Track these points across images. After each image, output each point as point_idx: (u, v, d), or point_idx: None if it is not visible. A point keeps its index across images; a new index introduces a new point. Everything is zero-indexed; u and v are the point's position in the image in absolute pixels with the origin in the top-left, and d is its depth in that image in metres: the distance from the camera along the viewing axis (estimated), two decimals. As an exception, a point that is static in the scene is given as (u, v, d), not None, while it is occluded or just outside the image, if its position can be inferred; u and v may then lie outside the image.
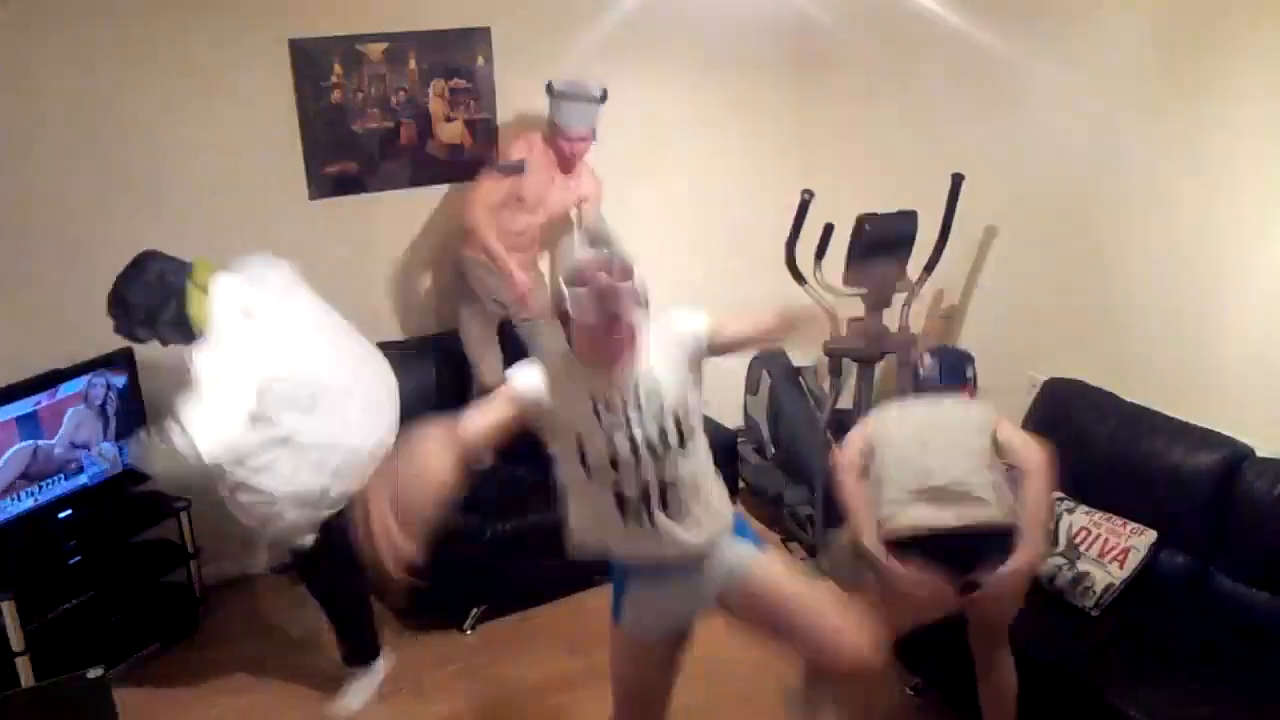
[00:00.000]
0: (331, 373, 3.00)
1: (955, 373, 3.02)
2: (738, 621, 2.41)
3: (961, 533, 2.65)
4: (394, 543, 2.05)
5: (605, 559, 2.37)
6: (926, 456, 2.75)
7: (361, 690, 3.34)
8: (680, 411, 2.19)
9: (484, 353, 4.01)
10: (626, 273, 2.12)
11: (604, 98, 3.89)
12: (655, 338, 2.22)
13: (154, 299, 2.93)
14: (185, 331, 2.91)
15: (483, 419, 2.20)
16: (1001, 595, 2.69)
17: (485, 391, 3.88)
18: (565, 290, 2.13)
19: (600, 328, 2.11)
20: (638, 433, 2.17)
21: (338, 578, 3.24)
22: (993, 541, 2.66)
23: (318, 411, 2.92)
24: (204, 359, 2.83)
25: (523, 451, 4.09)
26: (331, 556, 3.13)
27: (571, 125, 3.86)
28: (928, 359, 3.07)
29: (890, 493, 2.76)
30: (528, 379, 2.21)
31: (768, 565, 2.37)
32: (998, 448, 2.80)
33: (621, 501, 2.20)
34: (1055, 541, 3.17)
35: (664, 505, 2.20)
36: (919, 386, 3.04)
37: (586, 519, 2.30)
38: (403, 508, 2.07)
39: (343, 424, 2.98)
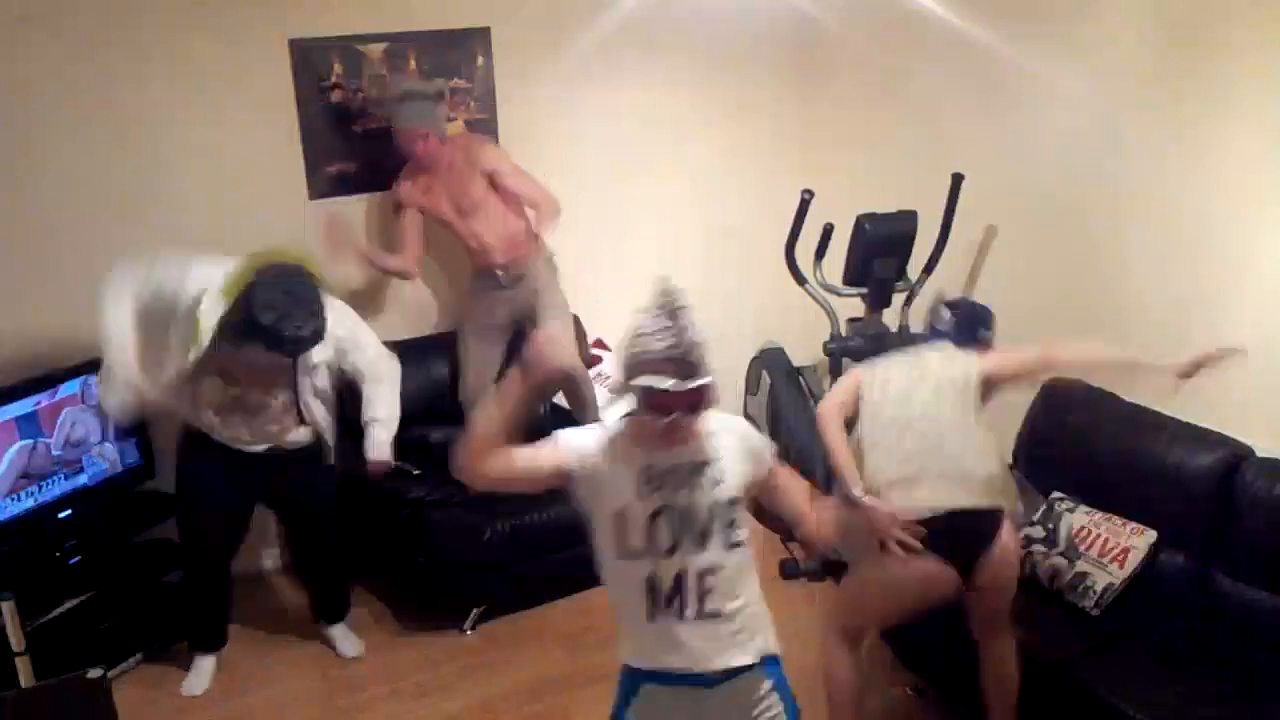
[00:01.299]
0: None
1: (969, 332, 2.94)
2: None
3: (954, 520, 2.65)
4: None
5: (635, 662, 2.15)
6: (906, 437, 2.72)
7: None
8: (736, 508, 2.05)
9: (469, 363, 4.04)
10: (694, 370, 1.95)
11: (439, 95, 3.86)
12: (722, 426, 2.11)
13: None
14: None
15: (521, 457, 2.08)
16: (1001, 570, 2.70)
17: (471, 393, 3.92)
18: (627, 380, 2.01)
19: (662, 432, 2.00)
20: (683, 510, 2.02)
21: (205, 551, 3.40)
22: (980, 528, 2.67)
23: None
24: None
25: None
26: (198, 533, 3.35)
27: (409, 124, 3.80)
28: (944, 312, 3.01)
29: (873, 462, 2.74)
30: (580, 439, 2.10)
31: None
32: (992, 384, 2.80)
33: (653, 586, 2.03)
34: (1055, 541, 3.18)
35: (699, 606, 2.03)
36: (931, 339, 2.99)
37: (620, 608, 2.12)
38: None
39: None
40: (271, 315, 2.85)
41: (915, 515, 2.64)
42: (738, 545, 2.04)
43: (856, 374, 2.93)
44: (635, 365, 1.98)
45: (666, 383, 1.93)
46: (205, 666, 3.47)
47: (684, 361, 1.94)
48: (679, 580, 2.01)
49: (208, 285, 2.93)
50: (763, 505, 2.27)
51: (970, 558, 2.67)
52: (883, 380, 2.86)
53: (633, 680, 2.14)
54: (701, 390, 1.96)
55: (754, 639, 2.09)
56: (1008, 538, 2.72)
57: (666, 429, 1.99)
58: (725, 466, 2.06)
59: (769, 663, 2.14)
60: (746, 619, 2.08)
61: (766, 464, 2.15)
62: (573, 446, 2.09)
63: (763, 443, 2.17)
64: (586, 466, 2.06)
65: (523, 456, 2.09)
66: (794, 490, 2.24)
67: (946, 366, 2.85)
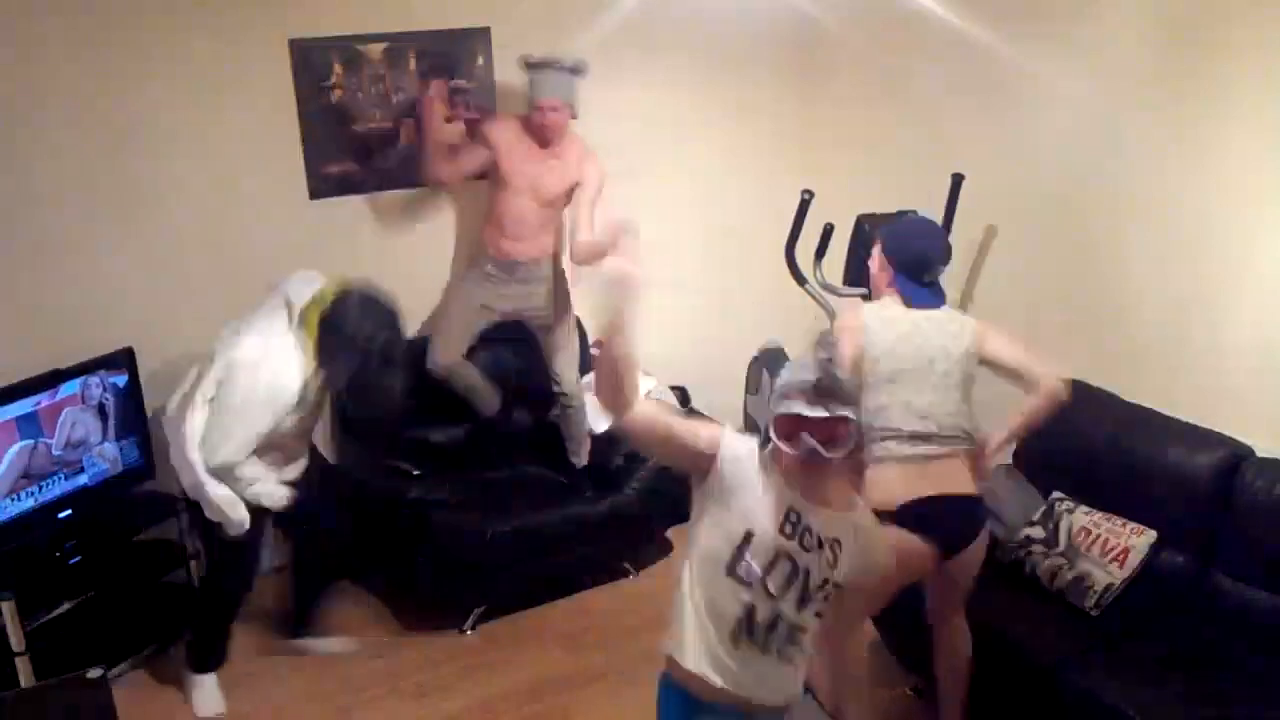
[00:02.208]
0: None
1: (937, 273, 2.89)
2: None
3: (940, 503, 2.68)
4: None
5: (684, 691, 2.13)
6: (924, 390, 2.74)
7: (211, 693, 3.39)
8: (833, 590, 2.07)
9: (449, 333, 4.00)
10: (845, 434, 2.00)
11: (577, 69, 3.79)
12: (868, 523, 2.15)
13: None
14: None
15: (679, 422, 2.11)
16: (977, 553, 2.77)
17: (440, 357, 3.91)
18: (771, 417, 2.04)
19: (799, 462, 2.02)
20: (802, 568, 2.02)
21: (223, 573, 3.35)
22: (968, 517, 2.73)
23: None
24: None
25: (525, 447, 4.14)
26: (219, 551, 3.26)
27: (542, 95, 3.77)
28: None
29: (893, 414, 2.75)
30: (741, 448, 2.09)
31: None
32: (987, 364, 2.81)
33: (749, 617, 2.02)
34: (1055, 541, 3.18)
35: (781, 648, 2.05)
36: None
37: (694, 613, 2.08)
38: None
39: None
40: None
41: (916, 495, 2.66)
42: (819, 615, 2.08)
43: (858, 316, 2.87)
44: (778, 395, 2.03)
45: (800, 406, 1.97)
46: (210, 684, 3.39)
47: (823, 392, 1.98)
48: (774, 623, 2.03)
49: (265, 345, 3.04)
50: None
51: (957, 543, 2.72)
52: (889, 323, 2.81)
53: (689, 712, 2.12)
54: (836, 422, 1.98)
55: (799, 682, 2.14)
56: (986, 535, 2.81)
57: (804, 463, 2.00)
58: (846, 556, 2.07)
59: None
60: (802, 669, 2.13)
61: (868, 576, 2.14)
62: (733, 444, 2.08)
63: (885, 558, 2.16)
64: (737, 471, 2.05)
65: (679, 420, 2.12)
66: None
67: (946, 325, 2.82)
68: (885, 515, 2.60)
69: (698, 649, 2.06)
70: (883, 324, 2.81)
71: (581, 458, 4.11)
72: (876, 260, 2.93)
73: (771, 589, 2.01)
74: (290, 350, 3.03)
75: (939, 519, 2.68)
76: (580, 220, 3.86)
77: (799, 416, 1.98)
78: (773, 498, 2.03)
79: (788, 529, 2.02)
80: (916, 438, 2.72)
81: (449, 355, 3.91)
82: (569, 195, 3.91)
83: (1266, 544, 2.86)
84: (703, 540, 2.08)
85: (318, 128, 3.96)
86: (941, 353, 2.77)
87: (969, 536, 2.75)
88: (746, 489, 2.04)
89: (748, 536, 2.02)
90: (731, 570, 2.02)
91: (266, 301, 3.13)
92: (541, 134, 3.84)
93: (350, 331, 3.01)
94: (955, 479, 2.73)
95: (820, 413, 1.97)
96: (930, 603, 2.90)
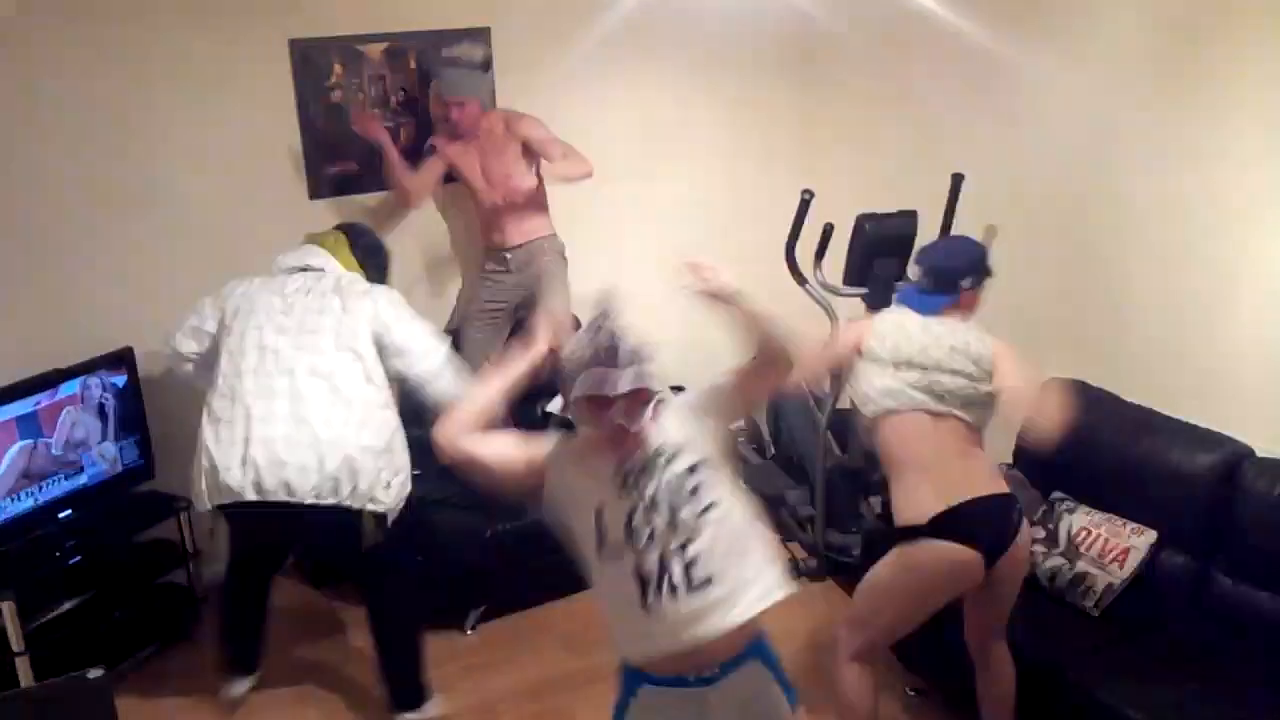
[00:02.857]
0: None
1: (947, 280, 2.84)
2: None
3: (975, 506, 2.60)
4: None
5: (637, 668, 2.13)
6: (921, 390, 2.71)
7: None
8: (696, 474, 2.03)
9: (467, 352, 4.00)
10: (647, 398, 2.00)
11: (486, 66, 3.94)
12: (670, 409, 2.12)
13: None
14: None
15: (502, 444, 2.14)
16: (1018, 563, 2.67)
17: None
18: (570, 385, 2.02)
19: (609, 440, 2.01)
20: (649, 500, 2.00)
21: (400, 597, 3.15)
22: (1005, 514, 2.65)
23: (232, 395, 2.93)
24: None
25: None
26: (394, 570, 3.12)
27: (448, 93, 3.91)
28: (914, 267, 2.94)
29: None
30: (551, 447, 2.14)
31: None
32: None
33: (641, 576, 2.00)
34: (1055, 541, 3.18)
35: (688, 581, 1.98)
36: (901, 297, 2.95)
37: (612, 608, 2.11)
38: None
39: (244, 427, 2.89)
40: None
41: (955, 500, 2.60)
42: (709, 509, 2.01)
43: (863, 326, 2.88)
44: (569, 378, 2.01)
45: (597, 385, 1.95)
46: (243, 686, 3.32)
47: (609, 366, 1.96)
48: (662, 563, 1.98)
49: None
50: (746, 396, 2.26)
51: (1000, 544, 2.61)
52: (897, 327, 2.81)
53: (632, 681, 2.12)
54: (637, 391, 1.97)
55: (751, 591, 2.03)
56: (1027, 533, 2.72)
57: (612, 435, 1.99)
58: (672, 441, 2.05)
59: (762, 648, 2.12)
60: (742, 571, 2.03)
61: (709, 396, 2.15)
62: (548, 450, 2.11)
63: (698, 393, 2.16)
64: (559, 471, 2.09)
65: (501, 442, 2.15)
66: (728, 384, 2.20)
67: (962, 331, 2.79)
68: (919, 530, 2.60)
69: (629, 641, 2.09)
70: (891, 317, 2.86)
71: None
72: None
73: (641, 539, 1.99)
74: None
75: (976, 521, 2.59)
76: (551, 152, 3.92)
77: (594, 398, 1.97)
78: (599, 469, 2.03)
79: (623, 489, 2.02)
80: (931, 394, 2.70)
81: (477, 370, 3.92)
82: (529, 160, 3.96)
83: (1266, 544, 2.86)
84: (579, 548, 2.10)
85: (318, 128, 3.97)
86: (951, 354, 2.74)
87: (1008, 534, 2.63)
88: (579, 485, 2.07)
89: (599, 514, 2.03)
90: (604, 554, 2.04)
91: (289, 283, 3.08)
92: (457, 130, 3.94)
93: (379, 240, 3.36)
94: (983, 480, 2.67)
95: (613, 389, 1.95)
96: (969, 633, 2.81)
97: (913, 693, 3.30)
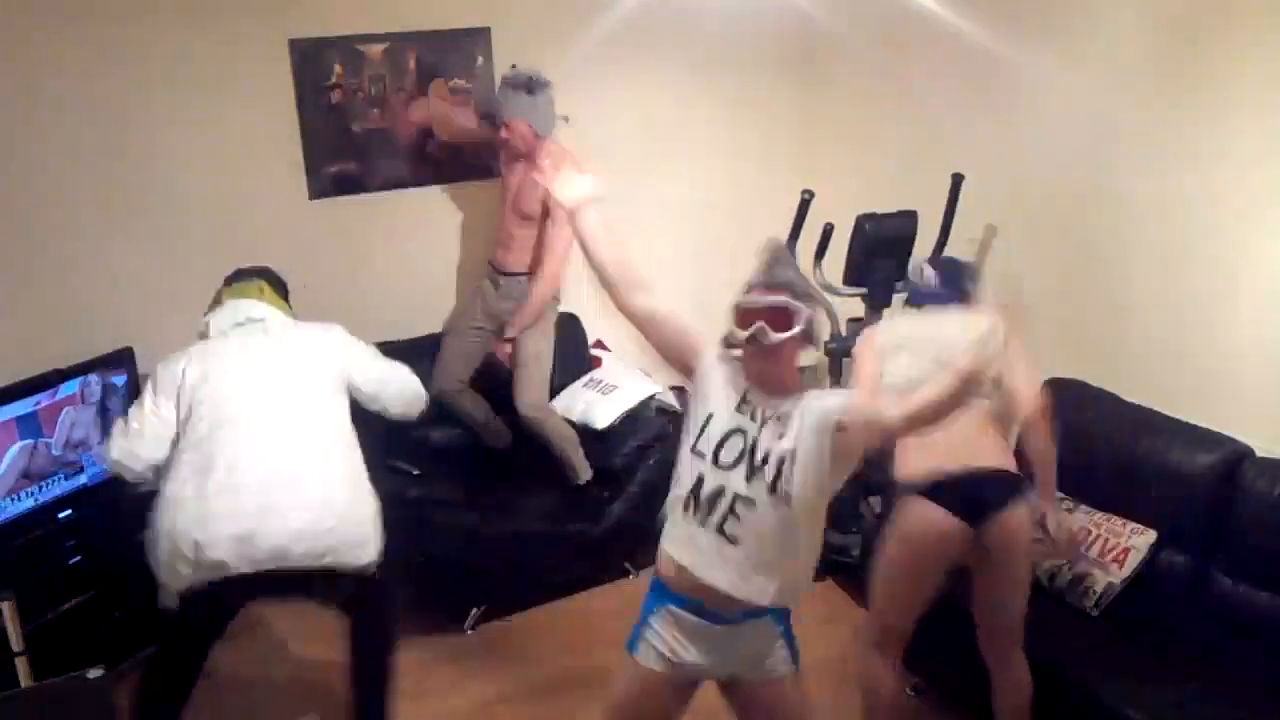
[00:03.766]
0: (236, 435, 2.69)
1: (954, 285, 2.96)
2: (734, 708, 2.39)
3: (972, 477, 2.67)
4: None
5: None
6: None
7: None
8: (786, 465, 2.17)
9: (442, 358, 4.01)
10: (788, 320, 2.20)
11: (530, 88, 3.76)
12: (816, 398, 2.25)
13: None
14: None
15: (677, 319, 2.37)
16: (1012, 541, 2.68)
17: (435, 384, 3.85)
18: (731, 315, 2.25)
19: (749, 352, 2.23)
20: (751, 442, 2.21)
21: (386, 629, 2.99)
22: (1000, 487, 2.68)
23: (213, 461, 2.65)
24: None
25: (525, 447, 4.14)
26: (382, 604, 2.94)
27: (500, 115, 3.86)
28: (927, 270, 3.02)
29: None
30: (712, 349, 2.33)
31: (791, 690, 2.34)
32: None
33: (699, 485, 2.22)
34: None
35: (722, 523, 2.20)
36: (917, 299, 3.01)
37: (673, 493, 2.31)
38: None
39: (233, 494, 2.63)
40: None
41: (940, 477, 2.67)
42: (785, 499, 2.16)
43: (871, 345, 2.88)
44: (735, 310, 2.24)
45: (749, 299, 2.21)
46: None
47: (768, 285, 2.22)
48: (718, 493, 2.20)
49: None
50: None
51: (979, 512, 2.65)
52: (904, 339, 2.85)
53: (660, 598, 2.30)
54: (780, 308, 2.19)
55: (761, 582, 2.21)
56: (1023, 511, 2.71)
57: (753, 352, 2.20)
58: (795, 426, 2.19)
59: (779, 617, 2.29)
60: (763, 563, 2.20)
61: (833, 421, 2.21)
62: (709, 350, 2.32)
63: (835, 406, 2.22)
64: (709, 371, 2.30)
65: (676, 318, 2.38)
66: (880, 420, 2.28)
67: (963, 323, 2.78)
68: (914, 487, 2.69)
69: (667, 528, 2.29)
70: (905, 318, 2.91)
71: (579, 475, 3.96)
72: None
73: (722, 461, 2.21)
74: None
75: (965, 490, 2.66)
76: (553, 214, 3.78)
77: (749, 307, 2.21)
78: (730, 383, 2.27)
79: (742, 408, 2.24)
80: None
81: (443, 380, 3.93)
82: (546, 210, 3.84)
83: (1266, 544, 2.87)
84: (686, 428, 2.31)
85: (318, 128, 3.97)
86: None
87: (990, 504, 2.66)
88: (713, 382, 2.28)
89: (709, 418, 2.25)
90: (694, 447, 2.25)
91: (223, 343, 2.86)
92: (510, 151, 3.91)
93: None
94: (990, 456, 2.72)
95: (765, 300, 2.20)
96: (982, 641, 2.81)
97: (912, 693, 3.30)
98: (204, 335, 2.88)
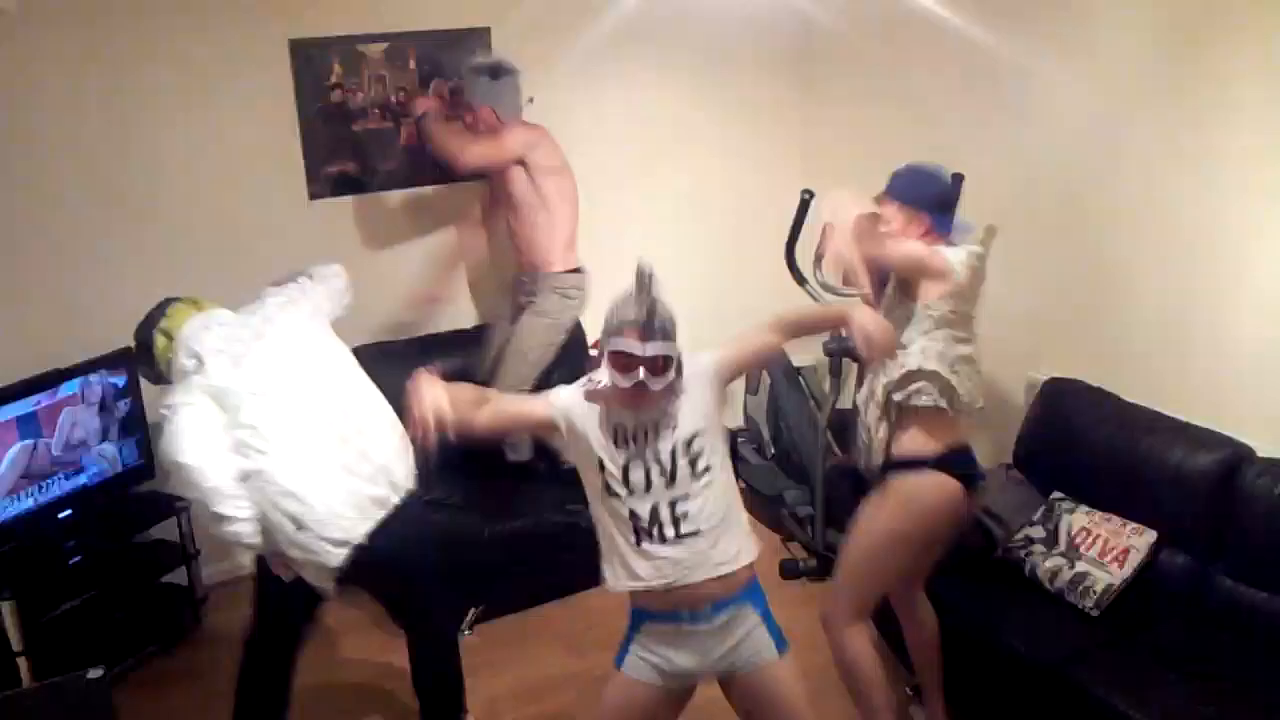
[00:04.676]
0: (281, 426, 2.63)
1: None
2: (732, 704, 2.41)
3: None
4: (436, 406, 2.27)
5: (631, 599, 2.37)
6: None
7: None
8: (695, 442, 2.26)
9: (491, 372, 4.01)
10: (667, 365, 2.22)
11: (494, 72, 3.79)
12: (688, 374, 2.31)
13: (140, 345, 2.79)
14: (158, 376, 2.77)
15: (512, 404, 2.51)
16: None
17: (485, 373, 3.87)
18: (605, 344, 2.25)
19: (629, 394, 2.23)
20: (651, 458, 2.26)
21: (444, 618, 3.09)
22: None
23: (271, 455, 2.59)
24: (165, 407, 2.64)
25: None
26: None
27: (470, 99, 3.90)
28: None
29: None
30: (567, 399, 2.36)
31: (783, 671, 2.36)
32: None
33: (635, 519, 2.27)
34: (1055, 541, 3.18)
35: (676, 530, 2.25)
36: None
37: (606, 539, 2.34)
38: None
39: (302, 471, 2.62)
40: None
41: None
42: (705, 471, 2.26)
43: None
44: (608, 330, 2.24)
45: (631, 345, 2.18)
46: None
47: (647, 327, 2.18)
48: (655, 512, 2.26)
49: None
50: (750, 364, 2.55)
51: (973, 482, 2.76)
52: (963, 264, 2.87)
53: (637, 618, 2.37)
54: (661, 358, 2.20)
55: (734, 544, 2.30)
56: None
57: (633, 391, 2.21)
58: (682, 408, 2.27)
59: (754, 596, 2.36)
60: (724, 529, 2.29)
61: (712, 372, 2.33)
62: (560, 403, 2.36)
63: (701, 364, 2.33)
64: (574, 419, 2.32)
65: (513, 404, 2.53)
66: (744, 352, 2.48)
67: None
68: (925, 462, 2.73)
69: (616, 571, 2.31)
70: (961, 266, 2.82)
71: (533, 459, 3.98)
72: (898, 220, 2.89)
73: (639, 488, 2.25)
74: None
75: (968, 464, 2.77)
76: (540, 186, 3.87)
77: (628, 354, 2.19)
78: (599, 427, 2.30)
79: (620, 442, 2.27)
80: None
81: (505, 390, 3.87)
82: (532, 183, 3.84)
83: (1267, 544, 2.86)
84: (584, 482, 2.35)
85: (318, 128, 3.97)
86: None
87: (976, 479, 2.81)
88: (586, 429, 2.31)
89: (600, 465, 2.28)
90: (604, 496, 2.29)
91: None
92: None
93: None
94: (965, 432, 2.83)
95: (649, 350, 2.18)
96: (897, 585, 2.93)
97: (912, 691, 3.30)
98: (188, 372, 2.65)
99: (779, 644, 2.36)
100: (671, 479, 2.25)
